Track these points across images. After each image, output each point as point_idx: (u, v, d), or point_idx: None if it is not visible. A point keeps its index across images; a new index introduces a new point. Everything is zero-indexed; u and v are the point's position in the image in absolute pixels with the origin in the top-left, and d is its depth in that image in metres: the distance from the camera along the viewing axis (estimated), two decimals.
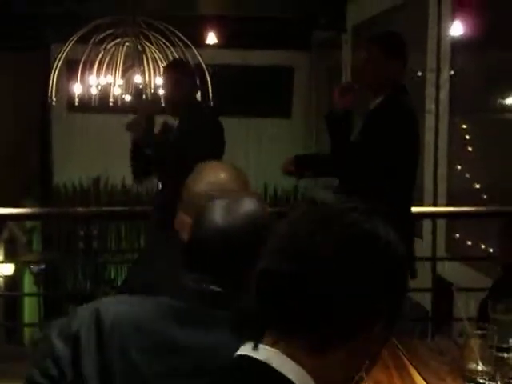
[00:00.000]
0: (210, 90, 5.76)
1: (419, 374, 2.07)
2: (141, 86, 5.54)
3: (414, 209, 3.40)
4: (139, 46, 5.50)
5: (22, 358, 4.07)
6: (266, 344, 0.97)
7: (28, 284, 8.28)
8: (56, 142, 9.63)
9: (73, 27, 5.48)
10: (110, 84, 5.49)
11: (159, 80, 5.35)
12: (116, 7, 5.69)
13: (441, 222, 5.24)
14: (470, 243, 5.01)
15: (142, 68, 5.49)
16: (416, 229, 3.70)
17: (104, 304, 1.38)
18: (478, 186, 4.98)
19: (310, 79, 9.68)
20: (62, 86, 5.85)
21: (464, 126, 5.24)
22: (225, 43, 8.34)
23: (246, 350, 0.98)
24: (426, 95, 5.48)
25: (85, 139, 9.51)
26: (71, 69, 5.77)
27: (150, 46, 5.56)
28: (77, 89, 5.60)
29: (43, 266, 7.77)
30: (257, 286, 0.99)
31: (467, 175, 5.15)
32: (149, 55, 5.53)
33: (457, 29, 5.10)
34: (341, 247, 0.95)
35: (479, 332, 1.92)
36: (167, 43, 5.54)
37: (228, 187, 1.76)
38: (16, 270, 7.52)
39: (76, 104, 5.76)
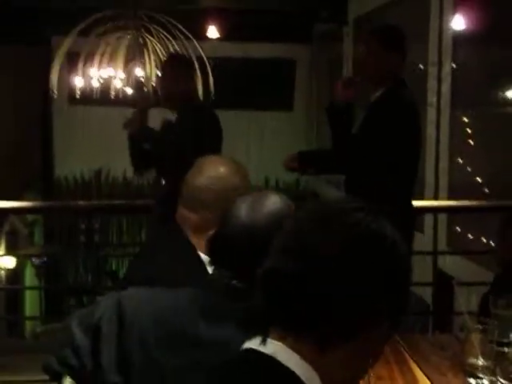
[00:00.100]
0: (212, 83, 5.76)
1: (420, 368, 2.07)
2: (142, 79, 5.54)
3: (415, 203, 3.39)
4: (140, 39, 5.49)
5: (23, 351, 4.08)
6: (273, 339, 0.97)
7: (29, 277, 8.28)
8: (57, 134, 9.63)
9: (73, 21, 5.46)
10: (112, 77, 5.48)
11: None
12: (117, 0, 5.69)
13: (442, 216, 5.23)
14: (471, 237, 5.01)
15: (143, 61, 5.49)
16: (417, 223, 3.69)
17: (126, 296, 1.40)
18: (479, 180, 4.97)
19: (311, 72, 9.66)
20: (63, 78, 5.84)
21: (465, 120, 5.22)
22: (226, 36, 8.33)
23: (252, 343, 0.99)
24: (427, 88, 5.46)
25: (86, 132, 9.50)
26: (72, 61, 5.76)
27: (152, 38, 5.55)
28: (78, 81, 5.60)
29: (45, 259, 7.78)
30: (263, 284, 0.99)
31: (469, 169, 5.14)
32: (150, 48, 5.52)
33: (459, 22, 5.09)
34: (347, 246, 0.95)
35: (480, 327, 1.92)
36: (168, 36, 5.54)
37: (228, 181, 1.76)
38: (17, 263, 7.51)
39: (77, 97, 5.76)
